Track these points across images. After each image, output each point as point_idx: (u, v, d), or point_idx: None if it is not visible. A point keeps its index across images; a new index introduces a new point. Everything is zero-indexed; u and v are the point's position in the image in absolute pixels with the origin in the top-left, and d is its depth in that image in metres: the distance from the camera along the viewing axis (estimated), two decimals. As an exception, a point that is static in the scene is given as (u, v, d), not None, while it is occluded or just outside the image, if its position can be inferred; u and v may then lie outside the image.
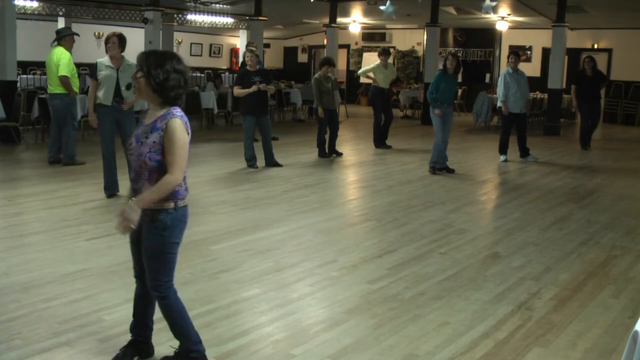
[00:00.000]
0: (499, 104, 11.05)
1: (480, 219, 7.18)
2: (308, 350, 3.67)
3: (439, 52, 18.11)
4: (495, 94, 16.92)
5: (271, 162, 9.66)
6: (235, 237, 5.93)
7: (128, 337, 3.65)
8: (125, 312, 4.07)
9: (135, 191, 3.22)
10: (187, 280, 4.70)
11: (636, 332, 2.17)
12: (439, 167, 9.68)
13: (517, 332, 4.02)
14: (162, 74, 3.13)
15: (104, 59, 7.26)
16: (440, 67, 9.97)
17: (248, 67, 9.61)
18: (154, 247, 3.22)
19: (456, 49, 21.35)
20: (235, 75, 20.45)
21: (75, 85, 9.49)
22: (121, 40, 7.17)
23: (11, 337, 3.68)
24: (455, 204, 7.59)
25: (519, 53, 11.70)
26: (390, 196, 7.99)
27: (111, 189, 7.34)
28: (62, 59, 9.31)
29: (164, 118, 3.17)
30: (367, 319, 4.15)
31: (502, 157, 10.99)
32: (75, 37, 9.54)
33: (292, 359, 3.56)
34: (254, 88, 9.29)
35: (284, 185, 8.42)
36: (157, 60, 3.16)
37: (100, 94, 7.20)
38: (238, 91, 9.49)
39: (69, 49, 9.37)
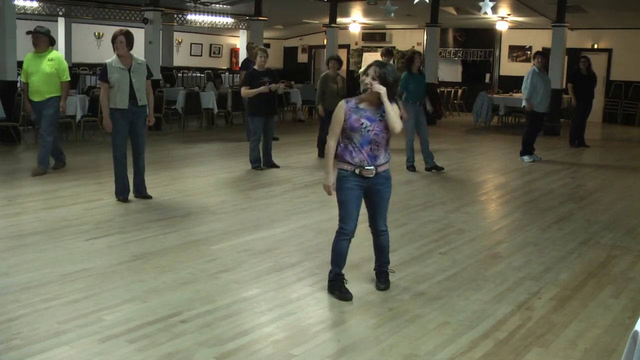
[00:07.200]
0: (524, 103, 10.97)
1: (480, 219, 7.18)
2: (308, 350, 3.67)
3: (439, 52, 18.11)
4: (495, 94, 17.00)
5: (269, 163, 9.61)
6: (235, 237, 5.93)
7: (129, 337, 3.69)
8: (125, 312, 4.08)
9: (373, 159, 4.39)
10: (187, 280, 4.71)
11: (636, 332, 2.17)
12: (428, 167, 9.74)
13: (517, 332, 4.02)
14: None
15: (112, 60, 6.91)
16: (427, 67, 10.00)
17: (256, 67, 9.35)
18: (389, 195, 4.67)
19: (456, 49, 21.36)
20: (237, 75, 20.62)
21: (33, 90, 8.65)
22: (128, 38, 6.89)
23: (11, 337, 3.67)
24: (455, 204, 7.59)
25: (546, 54, 11.50)
26: (390, 196, 7.96)
27: (124, 193, 7.19)
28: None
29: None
30: (367, 319, 4.15)
31: (529, 158, 10.93)
32: (54, 36, 8.86)
33: (292, 359, 3.56)
34: (263, 88, 9.10)
35: (284, 185, 8.41)
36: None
37: (114, 98, 6.90)
38: (247, 91, 9.22)
39: (34, 48, 8.71)
